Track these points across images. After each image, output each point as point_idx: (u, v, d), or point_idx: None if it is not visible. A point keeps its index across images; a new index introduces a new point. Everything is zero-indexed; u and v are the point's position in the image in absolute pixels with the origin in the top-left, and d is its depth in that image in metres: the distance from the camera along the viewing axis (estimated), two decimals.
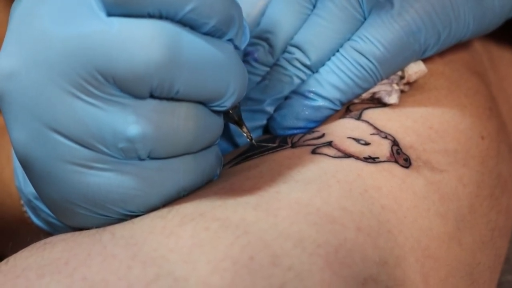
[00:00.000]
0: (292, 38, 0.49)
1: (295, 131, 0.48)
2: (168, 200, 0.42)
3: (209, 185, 0.44)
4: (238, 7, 0.40)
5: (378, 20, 0.47)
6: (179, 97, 0.39)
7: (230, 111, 0.43)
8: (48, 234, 0.44)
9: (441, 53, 0.51)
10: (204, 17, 0.38)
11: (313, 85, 0.48)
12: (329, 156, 0.44)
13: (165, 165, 0.41)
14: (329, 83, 0.47)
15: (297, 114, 0.48)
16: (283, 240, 0.39)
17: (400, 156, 0.45)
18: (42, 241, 0.42)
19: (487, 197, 0.48)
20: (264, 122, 0.49)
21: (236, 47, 0.41)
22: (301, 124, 0.48)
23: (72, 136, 0.39)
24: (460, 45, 0.52)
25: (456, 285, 0.45)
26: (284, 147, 0.46)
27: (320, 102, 0.47)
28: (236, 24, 0.40)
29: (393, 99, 0.48)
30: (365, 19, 0.48)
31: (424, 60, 0.50)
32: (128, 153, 0.39)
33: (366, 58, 0.47)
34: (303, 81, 0.48)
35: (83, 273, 0.38)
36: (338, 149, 0.45)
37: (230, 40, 0.40)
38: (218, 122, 0.42)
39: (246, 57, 0.49)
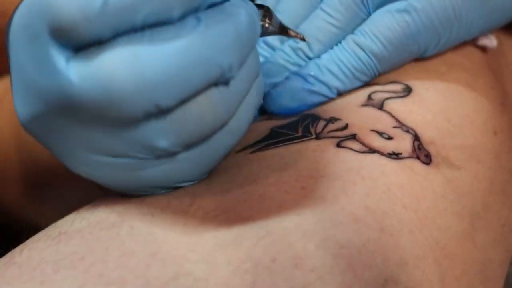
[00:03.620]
0: (298, 27, 0.50)
1: (288, 112, 0.48)
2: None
3: (231, 173, 0.43)
4: None
5: (379, 18, 0.48)
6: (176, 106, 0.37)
7: (267, 25, 0.42)
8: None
9: (462, 45, 0.51)
10: (164, 15, 0.36)
11: (313, 69, 0.48)
12: (354, 150, 0.44)
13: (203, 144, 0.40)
14: (329, 70, 0.48)
15: (293, 94, 0.48)
16: (307, 240, 0.38)
17: (421, 152, 0.45)
18: (57, 230, 0.41)
19: (499, 194, 0.48)
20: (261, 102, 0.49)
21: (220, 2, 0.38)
22: (294, 104, 0.48)
23: (111, 154, 0.39)
24: None
25: (470, 283, 0.44)
26: (308, 137, 0.45)
27: (317, 87, 0.48)
28: None
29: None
30: (369, 16, 0.49)
31: (446, 51, 0.50)
32: (163, 156, 0.39)
33: (365, 53, 0.48)
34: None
35: (99, 269, 0.37)
36: (363, 143, 0.44)
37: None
38: (238, 87, 0.39)
39: None
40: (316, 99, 0.48)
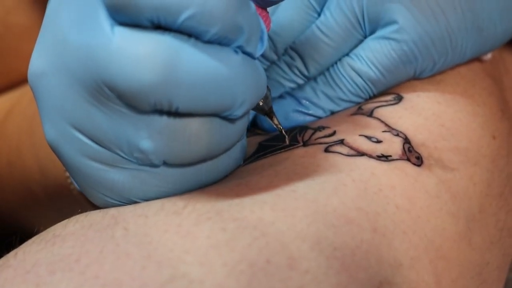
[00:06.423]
0: (294, 42, 0.50)
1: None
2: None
3: (223, 181, 0.43)
4: (247, 14, 0.38)
5: (376, 45, 0.48)
6: (182, 113, 0.38)
7: (261, 103, 0.43)
8: (96, 206, 0.44)
9: None
10: (204, 25, 0.37)
11: (308, 92, 0.49)
12: (342, 154, 0.44)
13: (185, 168, 0.41)
14: (325, 94, 0.49)
15: (286, 115, 0.49)
16: (301, 242, 0.38)
17: (412, 154, 0.45)
18: (51, 233, 0.41)
19: (496, 197, 0.48)
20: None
21: (248, 54, 0.39)
22: (287, 124, 0.49)
23: (94, 138, 0.40)
24: None
25: (466, 285, 0.45)
26: (296, 145, 0.46)
27: (313, 110, 0.49)
28: (244, 31, 0.38)
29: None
30: (365, 37, 0.49)
31: None
32: (143, 161, 0.40)
33: (362, 79, 0.48)
34: (299, 85, 0.50)
35: (95, 271, 0.37)
36: (351, 147, 0.45)
37: (239, 47, 0.39)
38: (236, 128, 0.41)
39: None
40: (309, 119, 0.49)
